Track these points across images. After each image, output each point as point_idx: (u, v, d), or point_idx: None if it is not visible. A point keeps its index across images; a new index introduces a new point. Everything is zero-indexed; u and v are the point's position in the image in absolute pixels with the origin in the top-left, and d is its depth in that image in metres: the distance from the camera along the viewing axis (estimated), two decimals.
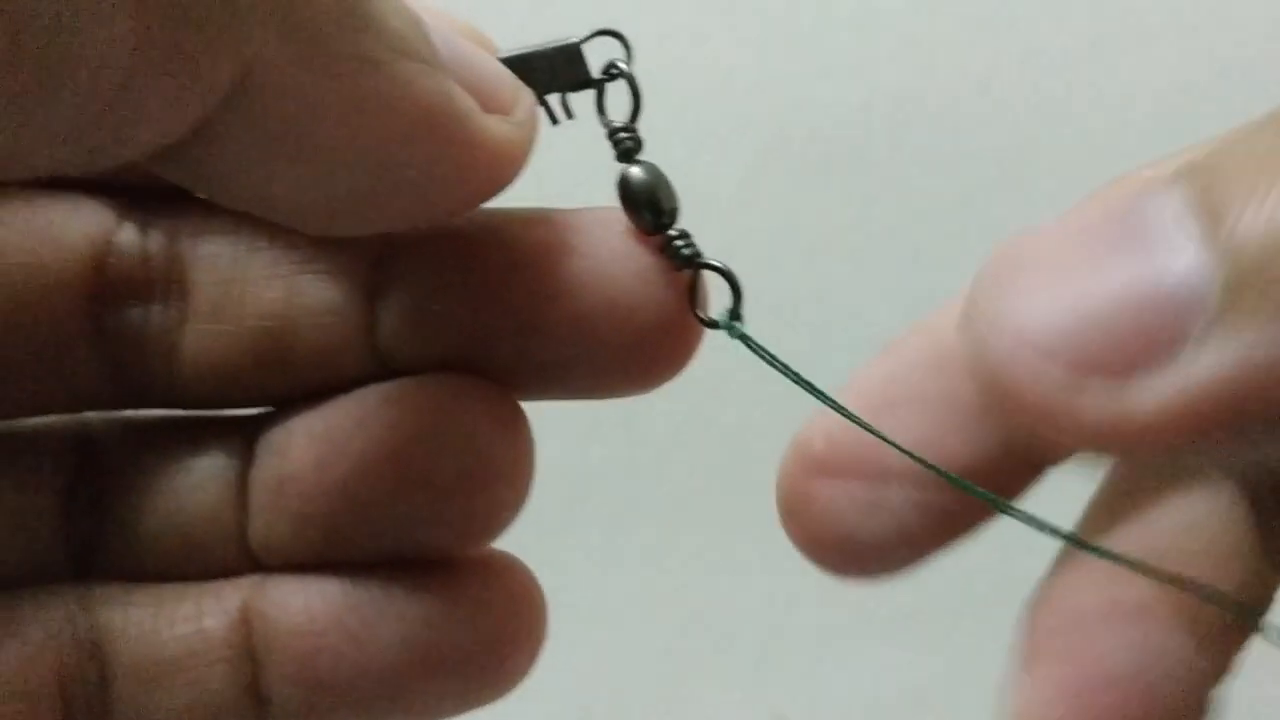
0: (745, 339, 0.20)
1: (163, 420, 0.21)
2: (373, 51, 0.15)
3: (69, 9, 0.11)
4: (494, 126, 0.17)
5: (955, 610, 0.58)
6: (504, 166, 0.18)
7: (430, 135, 0.16)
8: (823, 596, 0.64)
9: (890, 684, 0.58)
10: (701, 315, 0.20)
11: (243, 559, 0.20)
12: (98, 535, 0.20)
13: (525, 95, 0.18)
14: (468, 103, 0.16)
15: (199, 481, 0.20)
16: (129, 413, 0.21)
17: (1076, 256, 0.15)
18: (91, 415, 0.21)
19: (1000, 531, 0.64)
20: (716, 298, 0.20)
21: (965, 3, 0.58)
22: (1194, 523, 0.17)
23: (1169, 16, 0.54)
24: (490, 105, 0.17)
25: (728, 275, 0.20)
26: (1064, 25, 0.55)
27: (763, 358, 0.20)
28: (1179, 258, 0.14)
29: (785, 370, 0.20)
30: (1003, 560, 0.59)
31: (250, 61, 0.13)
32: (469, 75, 0.17)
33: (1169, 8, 0.54)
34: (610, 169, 0.20)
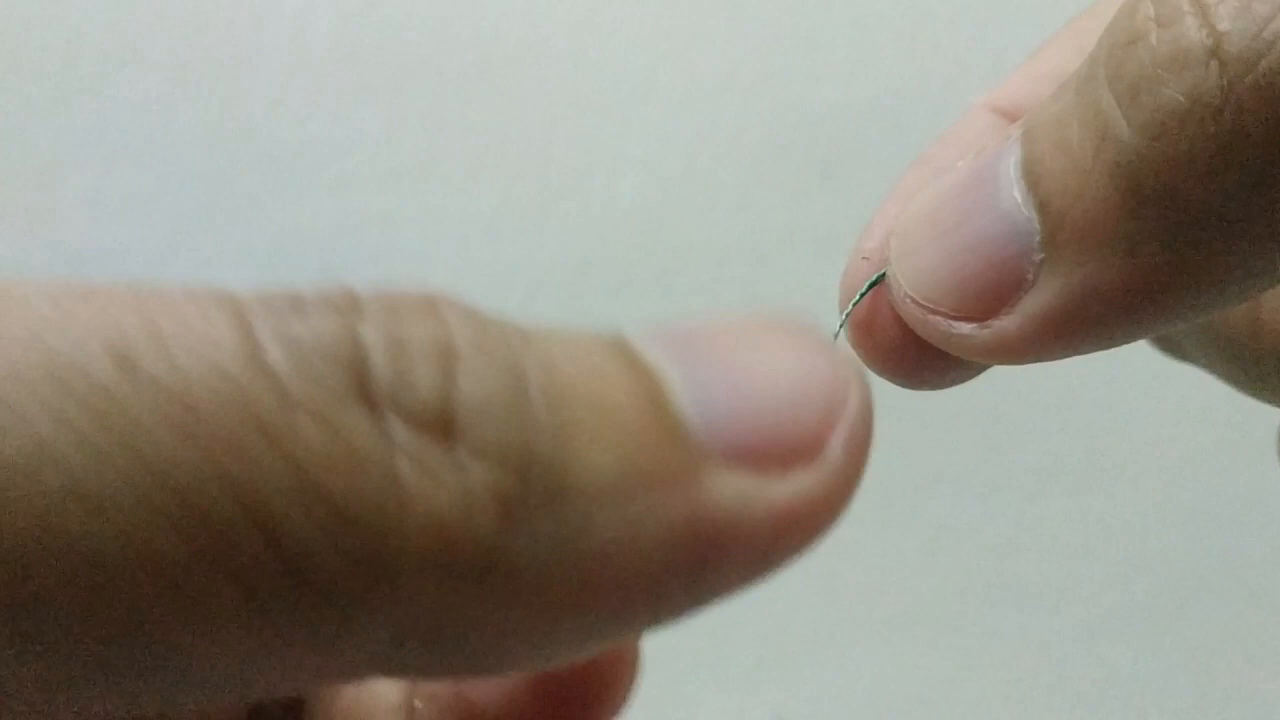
0: None
1: None
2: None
3: None
4: None
5: (955, 610, 0.59)
6: None
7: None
8: (823, 597, 0.64)
9: (890, 684, 0.58)
10: None
11: None
12: None
13: None
14: None
15: None
16: None
17: (949, 218, 0.19)
18: None
19: (999, 533, 0.64)
20: None
21: (965, 3, 0.58)
22: None
23: None
24: None
25: None
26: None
27: None
28: (1014, 218, 0.18)
29: None
30: (1002, 561, 0.59)
31: None
32: None
33: None
34: None
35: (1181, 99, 0.16)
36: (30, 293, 0.11)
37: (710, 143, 0.56)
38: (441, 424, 0.12)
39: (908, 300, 0.20)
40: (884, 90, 0.57)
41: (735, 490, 0.13)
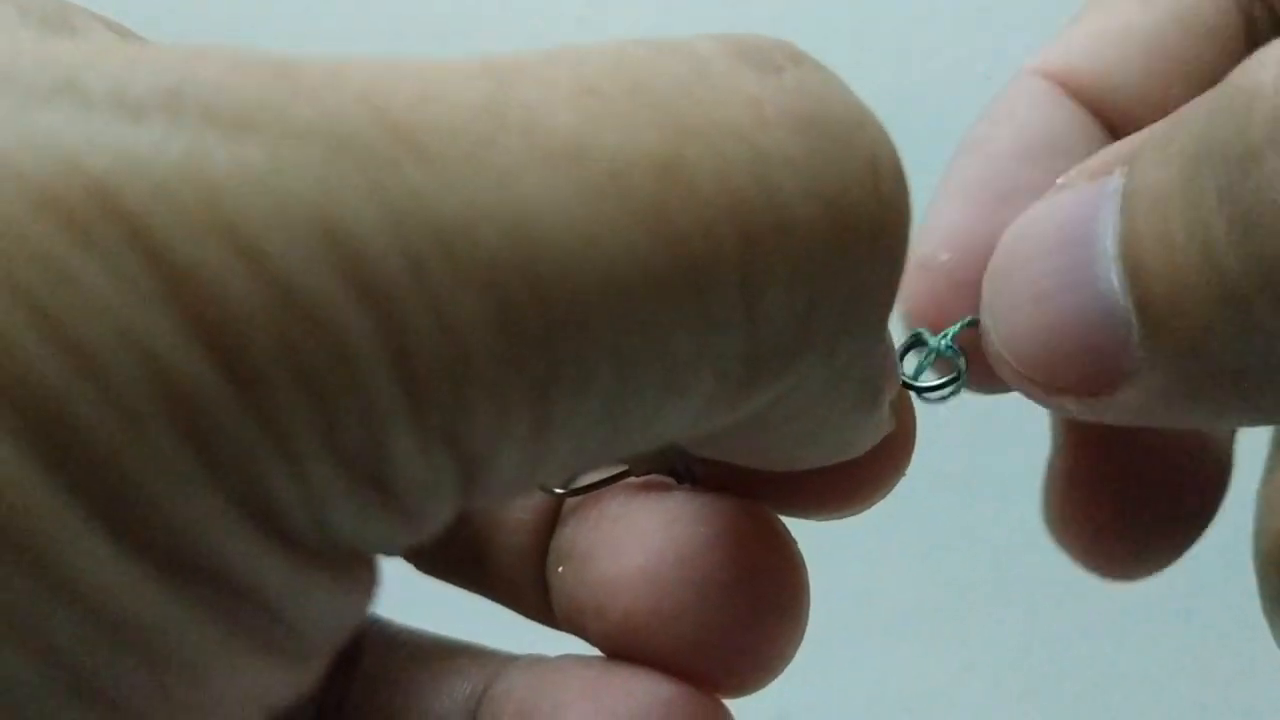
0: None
1: (421, 641, 0.22)
2: (876, 413, 0.18)
3: None
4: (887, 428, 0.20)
5: (956, 610, 0.58)
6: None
7: (863, 448, 0.19)
8: (824, 597, 0.64)
9: (890, 684, 0.58)
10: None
11: None
12: None
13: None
14: (890, 425, 0.19)
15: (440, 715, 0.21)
16: (394, 624, 0.22)
17: (1045, 281, 0.18)
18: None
19: (1001, 533, 0.64)
20: None
21: (966, 3, 0.58)
22: None
23: None
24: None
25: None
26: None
27: None
28: (1112, 305, 0.17)
29: None
30: (1003, 561, 0.59)
31: (790, 390, 0.15)
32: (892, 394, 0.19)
33: None
34: None
35: None
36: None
37: None
38: None
39: (1003, 359, 0.19)
40: (883, 91, 0.57)
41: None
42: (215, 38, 0.58)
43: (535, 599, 0.22)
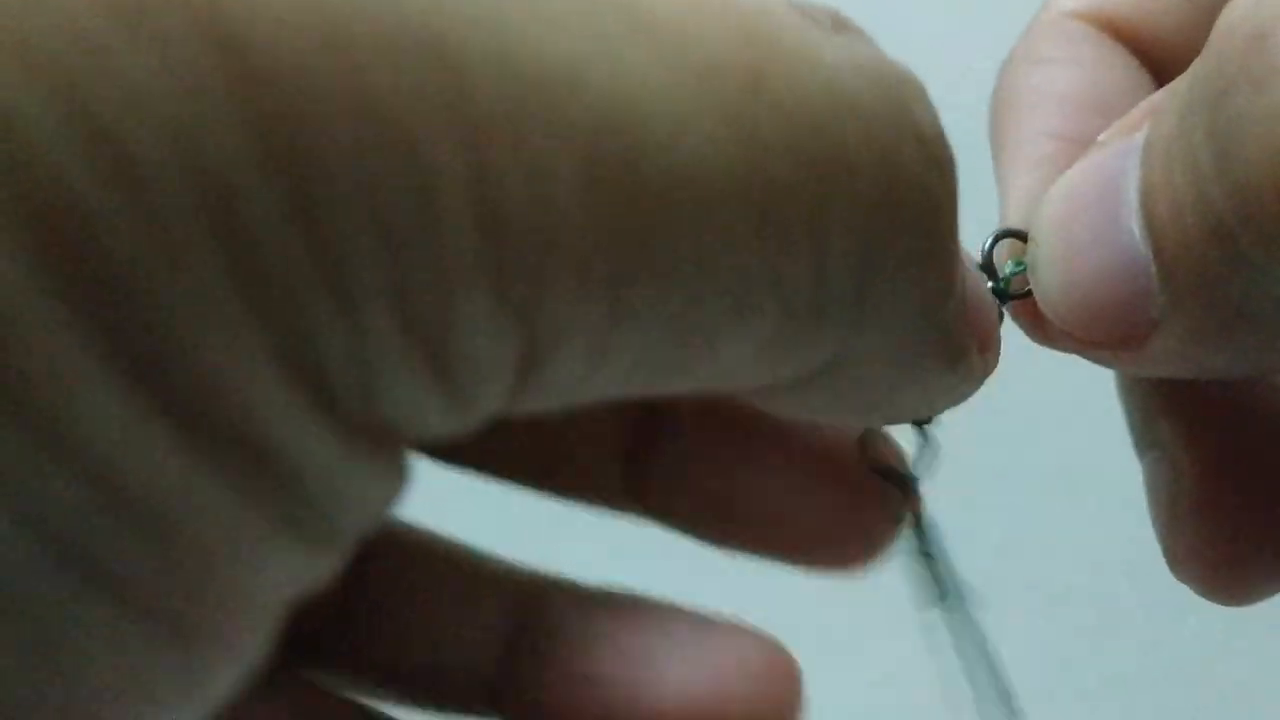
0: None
1: (441, 547, 0.21)
2: (954, 372, 0.18)
3: None
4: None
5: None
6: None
7: (948, 404, 0.19)
8: (823, 596, 0.64)
9: (890, 684, 0.58)
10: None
11: None
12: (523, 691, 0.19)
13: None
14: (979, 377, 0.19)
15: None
16: (406, 522, 0.20)
17: (1080, 235, 0.18)
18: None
19: (999, 532, 0.64)
20: None
21: (967, 3, 0.58)
22: None
23: None
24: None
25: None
26: None
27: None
28: (1134, 254, 0.17)
29: None
30: (1001, 560, 0.59)
31: (843, 355, 0.15)
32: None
33: None
34: None
35: (1270, 185, 0.14)
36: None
37: None
38: None
39: (1045, 310, 0.19)
40: None
41: None
42: None
43: (615, 476, 0.21)
